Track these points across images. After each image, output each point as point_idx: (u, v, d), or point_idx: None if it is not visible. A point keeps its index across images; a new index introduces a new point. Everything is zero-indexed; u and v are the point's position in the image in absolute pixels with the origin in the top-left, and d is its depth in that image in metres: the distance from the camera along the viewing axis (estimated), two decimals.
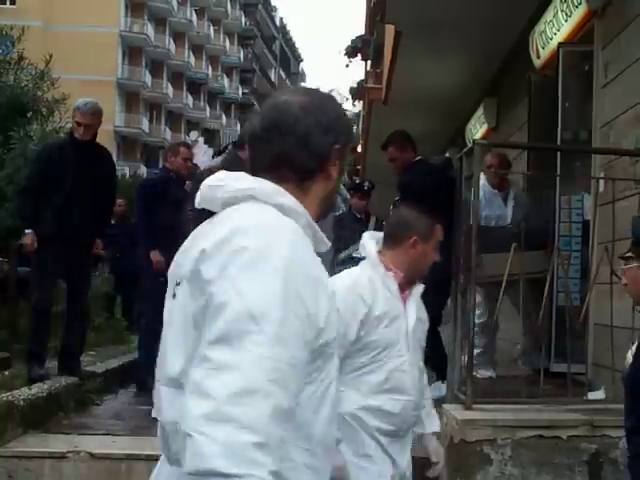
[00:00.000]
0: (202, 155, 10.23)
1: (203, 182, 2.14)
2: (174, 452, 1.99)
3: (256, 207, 2.03)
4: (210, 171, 7.09)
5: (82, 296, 7.99)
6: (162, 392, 2.05)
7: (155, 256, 8.16)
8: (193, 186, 6.95)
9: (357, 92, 34.90)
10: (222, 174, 2.13)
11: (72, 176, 7.65)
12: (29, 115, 12.95)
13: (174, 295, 2.07)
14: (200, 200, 2.13)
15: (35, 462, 5.98)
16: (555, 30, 9.33)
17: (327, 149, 2.17)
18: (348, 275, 3.99)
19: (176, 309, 2.04)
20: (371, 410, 3.84)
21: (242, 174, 2.12)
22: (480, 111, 14.11)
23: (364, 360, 3.82)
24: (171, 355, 2.02)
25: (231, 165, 6.69)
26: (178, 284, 2.05)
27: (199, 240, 2.01)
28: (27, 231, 7.74)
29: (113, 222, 15.20)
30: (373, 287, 3.87)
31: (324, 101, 2.23)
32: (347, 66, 55.37)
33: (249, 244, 1.90)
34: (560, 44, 8.96)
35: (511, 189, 8.64)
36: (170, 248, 6.80)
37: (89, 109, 7.93)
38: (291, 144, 2.14)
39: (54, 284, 8.13)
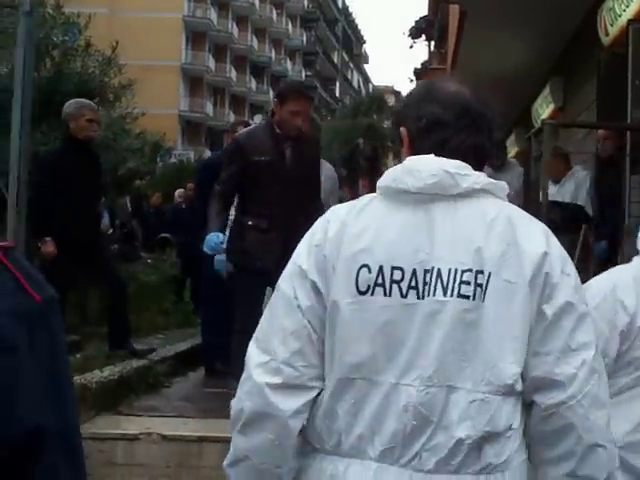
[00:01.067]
0: None
1: (438, 166, 2.08)
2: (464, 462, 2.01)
3: (510, 205, 2.17)
4: (235, 140, 6.81)
5: (111, 282, 7.95)
6: (460, 399, 2.01)
7: None
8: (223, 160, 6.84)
9: (421, 73, 34.73)
10: (457, 163, 2.10)
11: (78, 180, 7.62)
12: (96, 101, 13.08)
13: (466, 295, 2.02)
14: (424, 183, 2.07)
15: (108, 444, 6.05)
16: (624, 7, 9.19)
17: (495, 144, 2.30)
18: (607, 275, 3.15)
19: (489, 311, 2.01)
20: (636, 447, 2.93)
21: (467, 165, 2.12)
22: (547, 90, 13.96)
23: (627, 381, 2.98)
24: (496, 360, 2.01)
25: (260, 131, 6.52)
26: (479, 285, 2.02)
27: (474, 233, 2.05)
28: (47, 238, 7.49)
29: (184, 206, 15.34)
30: (639, 290, 3.00)
31: (485, 96, 2.28)
32: (411, 47, 55.07)
33: (561, 249, 2.13)
34: (630, 21, 8.82)
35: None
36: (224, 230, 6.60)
37: (94, 106, 7.95)
38: (484, 137, 2.19)
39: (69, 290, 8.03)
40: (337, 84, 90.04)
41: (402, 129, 2.21)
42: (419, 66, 36.00)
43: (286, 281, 2.14)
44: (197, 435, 6.21)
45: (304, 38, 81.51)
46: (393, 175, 2.11)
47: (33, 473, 0.90)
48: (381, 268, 2.03)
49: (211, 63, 65.88)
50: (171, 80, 58.60)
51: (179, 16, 61.30)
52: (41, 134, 10.33)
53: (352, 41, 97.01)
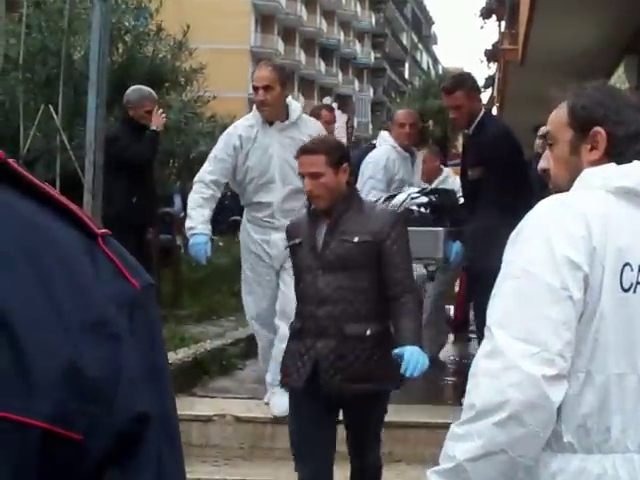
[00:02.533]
0: (337, 121, 10.21)
1: None
2: None
3: None
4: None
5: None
6: None
7: None
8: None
9: (492, 54, 34.41)
10: None
11: (145, 164, 7.75)
12: (167, 85, 13.19)
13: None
14: None
15: (183, 425, 6.00)
16: None
17: None
18: None
19: None
20: None
21: None
22: (620, 70, 13.74)
23: None
24: None
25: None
26: None
27: None
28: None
29: None
30: None
31: None
32: (482, 28, 54.53)
33: None
34: None
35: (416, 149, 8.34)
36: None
37: (155, 96, 8.16)
38: None
39: None
40: (406, 66, 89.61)
41: (598, 129, 2.28)
42: (489, 47, 35.68)
43: (547, 270, 2.12)
44: (270, 417, 6.25)
45: (373, 20, 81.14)
46: (636, 179, 2.21)
47: (137, 459, 0.92)
48: None
49: (280, 46, 65.94)
50: (241, 63, 58.73)
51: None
52: (114, 119, 10.44)
53: (421, 22, 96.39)
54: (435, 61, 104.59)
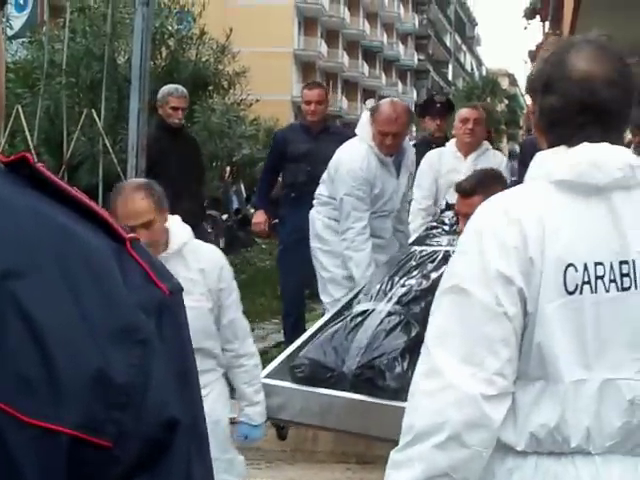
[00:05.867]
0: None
1: (623, 159, 2.08)
2: None
3: None
4: None
5: None
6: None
7: (257, 216, 8.04)
8: None
9: (535, 55, 34.25)
10: (633, 155, 2.15)
11: (174, 164, 7.62)
12: (210, 89, 13.27)
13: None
14: (613, 178, 2.07)
15: None
16: None
17: None
18: None
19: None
20: None
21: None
22: None
23: None
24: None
25: None
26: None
27: None
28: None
29: None
30: None
31: None
32: (525, 28, 54.22)
33: None
34: None
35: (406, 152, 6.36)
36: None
37: (181, 92, 7.89)
38: None
39: None
40: (450, 67, 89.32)
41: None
42: (533, 48, 35.52)
43: (479, 286, 2.02)
44: None
45: (416, 22, 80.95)
46: (578, 169, 2.06)
47: (166, 465, 0.92)
48: (585, 265, 2.01)
49: (323, 49, 66.00)
50: (284, 66, 58.92)
51: (291, 2, 61.54)
52: None
53: (464, 23, 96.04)
54: (479, 62, 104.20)
